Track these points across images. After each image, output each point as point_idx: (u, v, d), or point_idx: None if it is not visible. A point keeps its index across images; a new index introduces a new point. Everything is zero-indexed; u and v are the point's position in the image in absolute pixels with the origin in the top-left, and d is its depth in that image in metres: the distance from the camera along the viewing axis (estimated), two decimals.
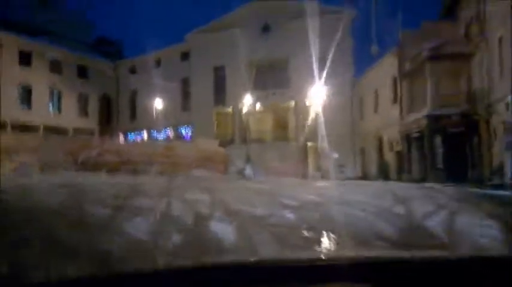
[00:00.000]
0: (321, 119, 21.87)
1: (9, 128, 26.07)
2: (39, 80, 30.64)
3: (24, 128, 26.28)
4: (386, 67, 21.70)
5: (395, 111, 20.45)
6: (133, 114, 36.61)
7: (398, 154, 19.49)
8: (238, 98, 28.08)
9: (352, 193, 10.71)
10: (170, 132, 32.50)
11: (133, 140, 27.20)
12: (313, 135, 24.11)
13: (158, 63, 32.87)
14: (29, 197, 8.51)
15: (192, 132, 31.63)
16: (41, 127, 28.42)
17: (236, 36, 26.99)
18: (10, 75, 28.90)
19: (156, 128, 32.25)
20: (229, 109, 29.84)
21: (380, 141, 22.75)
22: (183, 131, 32.78)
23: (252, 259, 1.33)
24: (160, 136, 33.13)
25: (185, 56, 32.71)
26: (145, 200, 7.54)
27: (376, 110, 23.49)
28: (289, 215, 6.18)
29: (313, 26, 21.42)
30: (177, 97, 32.92)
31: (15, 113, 28.74)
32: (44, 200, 7.42)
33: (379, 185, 15.80)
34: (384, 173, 20.25)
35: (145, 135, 33.54)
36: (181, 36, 32.63)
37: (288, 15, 26.60)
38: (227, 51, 28.17)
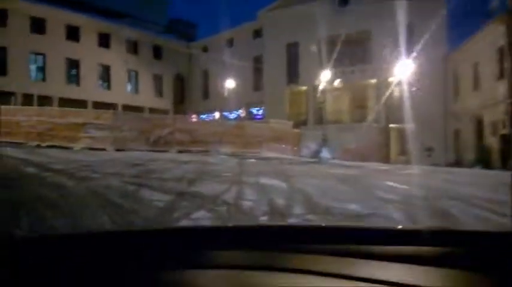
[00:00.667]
0: (407, 97, 19.59)
1: (90, 106, 27.08)
2: (117, 60, 31.52)
3: (104, 107, 27.21)
4: (490, 37, 18.50)
5: (501, 88, 17.38)
6: (205, 95, 36.63)
7: (504, 138, 16.56)
8: (313, 76, 26.32)
9: (457, 184, 8.76)
10: (242, 113, 31.79)
11: (205, 120, 26.79)
12: (397, 115, 21.79)
13: (230, 42, 32.11)
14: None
15: (263, 112, 30.62)
16: (119, 106, 29.24)
17: (311, 11, 25.10)
18: (90, 56, 30.07)
19: (228, 108, 31.71)
20: (303, 88, 28.22)
21: (480, 123, 19.71)
22: (255, 111, 31.90)
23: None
24: (232, 116, 32.60)
25: (257, 34, 31.56)
26: (214, 186, 6.53)
27: (475, 88, 20.34)
28: (396, 215, 4.69)
29: None
30: (249, 76, 32.03)
31: (95, 92, 29.94)
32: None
33: (482, 173, 13.39)
34: (484, 160, 17.43)
35: (217, 115, 33.21)
36: (254, 14, 31.49)
37: None
38: (301, 27, 26.45)
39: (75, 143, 15.33)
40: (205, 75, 36.35)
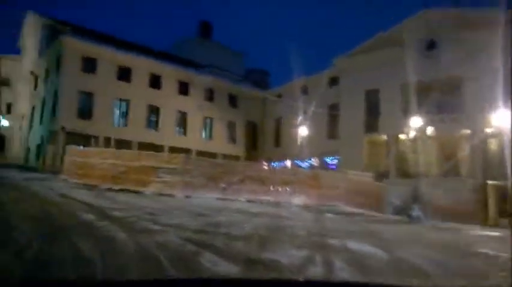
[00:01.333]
0: (508, 150, 16.93)
1: (166, 151, 27.45)
2: (194, 108, 32.33)
3: (180, 152, 27.52)
4: None
5: None
6: (277, 142, 35.95)
7: None
8: (395, 124, 24.33)
9: None
10: (315, 162, 30.29)
11: (277, 168, 25.67)
12: (496, 171, 18.89)
13: (305, 90, 31.47)
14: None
15: (338, 162, 28.84)
16: (193, 152, 29.44)
17: (395, 56, 23.66)
18: (169, 103, 31.18)
19: (300, 157, 30.45)
20: (383, 137, 26.16)
21: None
22: (328, 161, 30.22)
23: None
24: (304, 165, 31.19)
25: (333, 81, 30.64)
26: (291, 251, 5.17)
27: None
28: None
29: (499, 37, 17.06)
30: (323, 125, 30.81)
31: (172, 137, 30.64)
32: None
33: None
34: None
35: (288, 163, 32.02)
36: (329, 62, 30.79)
37: (461, 27, 22.08)
38: (383, 73, 24.97)
39: (146, 187, 14.99)
40: (278, 122, 35.89)
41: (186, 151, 28.35)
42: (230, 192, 15.51)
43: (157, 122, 31.28)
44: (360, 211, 14.89)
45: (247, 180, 15.65)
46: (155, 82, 30.94)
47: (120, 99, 29.31)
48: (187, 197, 14.55)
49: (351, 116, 27.45)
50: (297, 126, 29.67)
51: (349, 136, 27.25)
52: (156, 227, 6.68)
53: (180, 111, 32.18)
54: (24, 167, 29.14)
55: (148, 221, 7.27)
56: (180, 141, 30.87)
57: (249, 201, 14.98)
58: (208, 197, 14.67)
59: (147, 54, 30.91)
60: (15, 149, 37.80)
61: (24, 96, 36.56)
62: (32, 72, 34.06)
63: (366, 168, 23.63)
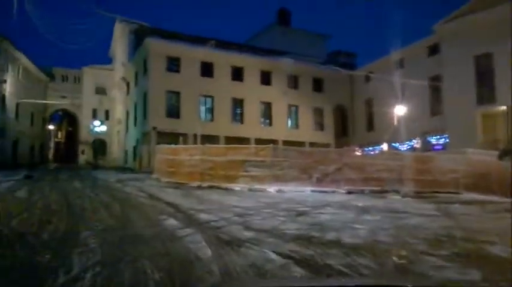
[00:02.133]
0: None
1: (252, 144, 26.61)
2: (278, 97, 31.06)
3: (266, 144, 26.55)
4: None
5: None
6: (370, 125, 33.11)
7: None
8: None
9: None
10: (416, 143, 27.00)
11: (379, 152, 23.04)
12: None
13: (399, 64, 28.20)
14: None
15: (445, 141, 25.31)
16: (280, 142, 28.19)
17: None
18: (253, 94, 30.31)
19: (398, 140, 27.40)
20: (502, 108, 22.14)
21: None
22: (433, 141, 26.74)
23: None
24: (404, 148, 28.05)
25: (433, 50, 26.99)
26: (449, 272, 3.41)
27: None
28: None
29: None
30: (424, 100, 27.35)
31: (257, 129, 29.77)
32: None
33: None
34: None
35: (384, 147, 29.13)
36: (428, 30, 27.14)
37: None
38: (496, 34, 20.99)
39: (235, 183, 14.05)
40: (369, 104, 32.98)
41: (272, 142, 27.14)
42: (326, 183, 13.86)
43: (242, 114, 30.67)
44: (491, 198, 12.16)
45: (345, 168, 13.82)
46: (237, 75, 30.29)
47: (205, 96, 29.19)
48: (278, 191, 13.27)
49: (458, 87, 23.74)
50: (392, 105, 26.69)
51: (457, 111, 23.63)
52: (248, 233, 5.37)
53: (264, 102, 31.17)
54: (122, 169, 30.71)
55: (238, 226, 6.01)
56: (266, 133, 29.89)
57: (349, 192, 13.19)
58: (301, 190, 13.24)
59: (227, 48, 30.38)
60: (115, 152, 40.39)
61: (119, 102, 38.77)
62: (123, 79, 35.83)
63: (481, 146, 20.13)
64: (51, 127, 49.29)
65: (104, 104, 42.07)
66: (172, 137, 25.24)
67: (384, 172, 14.55)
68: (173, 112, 28.09)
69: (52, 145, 53.21)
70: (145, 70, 28.81)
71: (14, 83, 32.78)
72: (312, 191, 13.17)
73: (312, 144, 29.45)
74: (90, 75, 42.16)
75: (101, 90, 42.67)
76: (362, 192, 13.41)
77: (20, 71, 34.65)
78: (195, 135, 27.24)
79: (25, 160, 34.83)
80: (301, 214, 7.63)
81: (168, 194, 10.96)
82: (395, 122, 27.04)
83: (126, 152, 35.04)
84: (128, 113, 35.21)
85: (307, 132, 31.99)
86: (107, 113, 42.32)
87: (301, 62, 32.22)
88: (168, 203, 8.74)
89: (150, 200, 9.45)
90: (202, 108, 29.47)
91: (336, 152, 15.78)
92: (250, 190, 13.47)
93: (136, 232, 5.36)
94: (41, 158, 42.12)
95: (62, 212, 7.12)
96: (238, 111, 30.67)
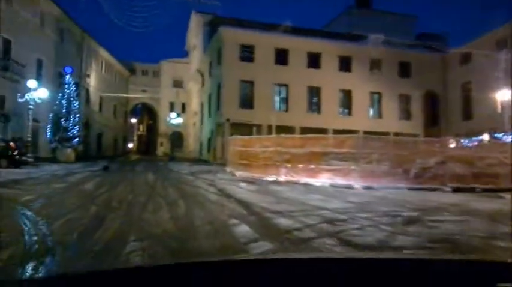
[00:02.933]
0: None
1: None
2: (358, 84, 28.56)
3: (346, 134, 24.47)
4: None
5: None
6: (466, 113, 29.10)
7: None
8: None
9: None
10: None
11: (477, 144, 19.59)
12: None
13: (502, 42, 24.14)
14: None
15: None
16: (360, 133, 25.80)
17: None
18: (330, 82, 28.21)
19: (503, 129, 23.47)
20: None
21: None
22: None
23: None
24: (509, 139, 23.96)
25: None
26: None
27: None
28: None
29: None
30: None
31: (335, 119, 27.67)
32: None
33: None
34: None
35: (485, 138, 25.23)
36: None
37: None
38: None
39: (314, 177, 12.42)
40: (467, 89, 28.95)
41: (353, 133, 25.04)
42: (425, 179, 11.61)
43: (318, 104, 28.72)
44: None
45: (450, 162, 11.45)
46: (314, 62, 28.35)
47: (279, 85, 27.77)
48: (367, 188, 11.39)
49: None
50: (495, 90, 22.95)
51: None
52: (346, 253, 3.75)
53: (342, 90, 28.87)
54: (197, 160, 30.60)
55: (331, 239, 4.41)
56: (345, 123, 27.56)
57: (456, 190, 10.86)
58: (395, 188, 11.19)
59: (303, 34, 28.55)
60: (191, 144, 40.84)
61: (195, 94, 38.98)
62: (198, 71, 35.80)
63: None
64: (133, 121, 51.67)
65: (180, 97, 42.76)
66: (245, 129, 24.35)
67: (496, 166, 11.90)
68: (247, 103, 27.09)
69: (135, 137, 55.92)
70: (219, 61, 28.17)
71: (97, 77, 34.34)
72: (409, 188, 11.06)
73: (397, 135, 26.57)
74: (168, 69, 43.08)
75: (178, 84, 43.44)
76: (473, 190, 10.98)
77: (103, 65, 36.25)
78: (269, 127, 26.00)
79: (109, 152, 36.53)
80: (410, 221, 5.80)
81: (241, 190, 9.70)
82: (499, 109, 23.26)
83: (201, 144, 35.04)
84: (202, 105, 35.13)
85: (391, 122, 29.05)
86: (183, 105, 42.99)
87: (384, 45, 29.25)
88: (240, 202, 7.41)
89: (220, 197, 8.22)
90: (277, 98, 28.09)
91: (439, 142, 13.33)
92: (332, 186, 11.76)
93: (195, 245, 4.03)
94: (124, 150, 44.16)
95: (119, 212, 6.12)
96: (315, 100, 28.76)
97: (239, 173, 14.79)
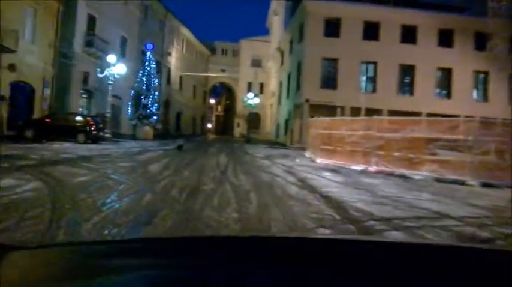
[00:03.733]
0: None
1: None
2: (461, 61, 24.73)
3: None
4: None
5: None
6: None
7: None
8: None
9: None
10: None
11: None
12: None
13: None
14: None
15: None
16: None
17: None
18: (427, 59, 24.79)
19: None
20: None
21: None
22: None
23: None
24: None
25: None
26: None
27: None
28: None
29: None
30: None
31: (431, 102, 24.36)
32: None
33: None
34: None
35: None
36: None
37: None
38: None
39: (415, 169, 10.28)
40: None
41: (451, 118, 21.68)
42: None
43: (411, 84, 25.54)
44: None
45: None
46: (409, 36, 25.06)
47: (367, 62, 25.12)
48: (485, 185, 9.04)
49: None
50: None
51: None
52: None
53: (441, 69, 25.30)
54: (273, 143, 29.32)
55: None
56: (442, 106, 24.14)
57: None
58: None
59: (397, 4, 25.32)
60: (268, 126, 39.73)
61: (273, 74, 37.55)
62: (278, 49, 34.19)
63: None
64: (212, 101, 52.04)
65: (258, 77, 41.65)
66: (326, 111, 22.44)
67: None
68: (329, 82, 24.94)
69: (213, 117, 56.52)
70: (300, 37, 26.26)
71: (178, 56, 34.45)
72: None
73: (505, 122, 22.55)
74: (247, 48, 42.08)
75: (256, 63, 42.34)
76: None
77: (184, 44, 36.30)
78: (353, 109, 23.73)
79: (187, 131, 36.90)
80: None
81: (325, 182, 8.05)
82: None
83: (277, 126, 33.68)
84: (281, 85, 33.61)
85: (498, 106, 24.80)
86: (261, 86, 41.86)
87: (495, 16, 24.80)
88: (328, 199, 5.78)
89: (301, 190, 6.65)
90: (363, 78, 25.50)
91: None
92: (438, 180, 9.55)
93: None
94: (202, 129, 44.58)
95: (176, 205, 4.86)
96: (407, 80, 25.62)
97: (320, 160, 13.08)
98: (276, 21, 36.81)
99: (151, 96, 22.92)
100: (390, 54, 24.61)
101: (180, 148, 15.08)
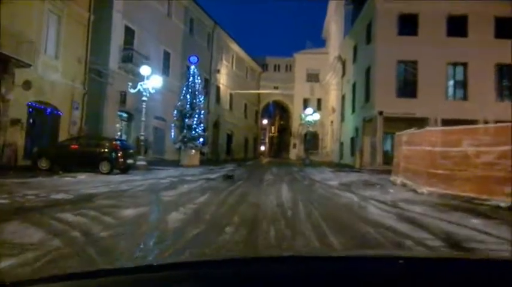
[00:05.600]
0: None
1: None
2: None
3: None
4: None
5: None
6: None
7: None
8: None
9: None
10: None
11: None
12: None
13: None
14: None
15: None
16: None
17: None
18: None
19: None
20: None
21: None
22: None
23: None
24: None
25: None
26: None
27: None
28: None
29: None
30: None
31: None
32: None
33: None
34: None
35: None
36: None
37: None
38: None
39: None
40: None
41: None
42: None
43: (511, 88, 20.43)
44: None
45: None
46: (505, 29, 20.14)
47: (454, 64, 20.48)
48: None
49: None
50: None
51: None
52: None
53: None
54: (338, 165, 25.13)
55: None
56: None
57: None
58: None
59: None
60: (328, 146, 35.51)
61: (333, 87, 33.58)
62: (338, 58, 30.31)
63: None
64: (264, 121, 48.92)
65: (315, 92, 37.82)
66: (405, 124, 18.15)
67: None
68: (407, 90, 20.57)
69: (266, 139, 53.26)
70: (368, 39, 22.29)
71: (228, 73, 31.69)
72: None
73: None
74: (302, 62, 38.54)
75: (312, 77, 38.61)
76: None
77: (234, 61, 33.58)
78: (435, 121, 19.22)
79: (239, 154, 33.68)
80: None
81: (481, 236, 4.01)
82: None
83: (341, 145, 29.42)
84: (343, 99, 29.52)
85: None
86: (318, 102, 37.90)
87: None
88: None
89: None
90: (450, 82, 20.83)
91: None
92: None
93: None
94: (254, 152, 41.27)
95: None
96: (506, 83, 20.54)
97: (427, 190, 8.87)
98: (333, 28, 33.15)
99: (196, 116, 19.88)
100: (484, 53, 19.77)
101: (229, 177, 11.58)
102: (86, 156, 11.46)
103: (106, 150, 11.68)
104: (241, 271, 0.83)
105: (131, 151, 12.83)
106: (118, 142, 12.26)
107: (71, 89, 15.17)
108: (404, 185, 10.59)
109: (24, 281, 0.79)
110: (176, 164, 19.09)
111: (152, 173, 12.49)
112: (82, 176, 10.16)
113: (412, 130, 10.75)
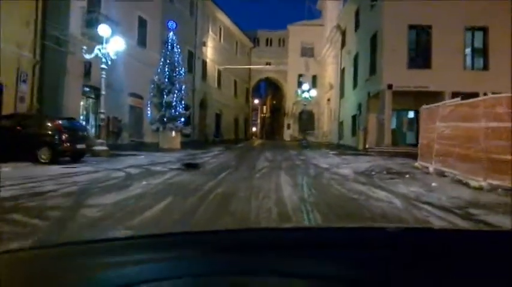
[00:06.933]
0: None
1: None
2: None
3: None
4: None
5: None
6: None
7: None
8: None
9: None
10: None
11: None
12: None
13: None
14: None
15: None
16: None
17: None
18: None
19: None
20: None
21: None
22: None
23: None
24: None
25: None
26: None
27: None
28: None
29: None
30: None
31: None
32: None
33: None
34: None
35: None
36: None
37: None
38: None
39: None
40: None
41: None
42: None
43: None
44: None
45: None
46: None
47: (472, 28, 17.80)
48: None
49: None
50: None
51: None
52: None
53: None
54: (338, 147, 22.60)
55: None
56: None
57: None
58: None
59: None
60: (325, 125, 32.90)
61: (330, 61, 30.78)
62: (337, 27, 27.37)
63: None
64: (256, 101, 46.12)
65: (310, 68, 34.88)
66: (417, 99, 15.80)
67: None
68: (419, 60, 17.90)
69: (258, 120, 50.53)
70: (372, 2, 19.44)
71: (215, 47, 28.62)
72: None
73: None
74: (296, 35, 35.42)
75: (307, 52, 35.62)
76: None
77: (222, 33, 30.43)
78: (455, 94, 16.57)
79: (229, 136, 30.94)
80: None
81: None
82: None
83: (340, 125, 26.81)
84: (342, 73, 26.76)
85: None
86: (314, 79, 35.01)
87: None
88: None
89: None
90: (467, 50, 18.20)
91: None
92: None
93: None
94: (246, 133, 38.54)
95: None
96: None
97: (488, 183, 6.30)
98: None
99: (176, 92, 17.03)
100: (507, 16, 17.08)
101: (190, 166, 8.73)
102: (20, 141, 8.64)
103: (47, 132, 8.86)
104: (223, 240, 0.82)
105: (84, 133, 10.02)
106: (62, 121, 9.34)
107: (16, 58, 12.24)
108: (441, 174, 8.05)
109: (14, 250, 0.80)
110: (155, 147, 16.39)
111: (113, 162, 9.74)
112: (6, 168, 7.40)
113: (455, 100, 8.11)
